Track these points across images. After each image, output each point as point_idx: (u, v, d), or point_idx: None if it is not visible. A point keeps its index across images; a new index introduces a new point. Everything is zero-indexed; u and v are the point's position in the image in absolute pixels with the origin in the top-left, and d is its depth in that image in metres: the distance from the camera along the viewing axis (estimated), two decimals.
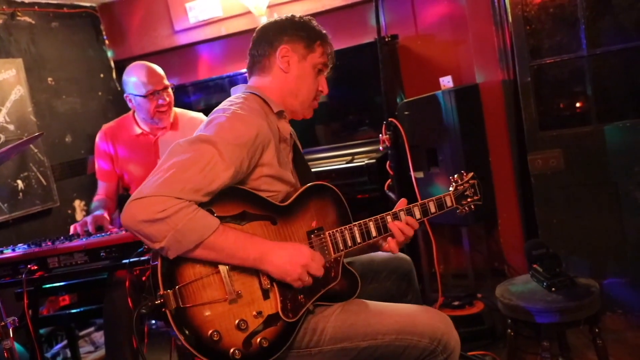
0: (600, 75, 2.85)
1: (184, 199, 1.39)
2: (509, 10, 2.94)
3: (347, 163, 3.15)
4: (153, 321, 3.70)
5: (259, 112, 1.62)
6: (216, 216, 1.47)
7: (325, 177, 3.15)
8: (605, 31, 2.84)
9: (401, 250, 2.06)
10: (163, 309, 1.41)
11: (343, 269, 1.70)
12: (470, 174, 1.96)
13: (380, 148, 2.88)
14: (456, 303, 2.92)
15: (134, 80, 2.59)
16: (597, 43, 2.82)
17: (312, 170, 3.20)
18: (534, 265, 2.34)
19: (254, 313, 1.50)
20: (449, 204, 1.89)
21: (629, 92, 2.90)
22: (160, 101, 2.59)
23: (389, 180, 2.84)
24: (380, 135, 2.80)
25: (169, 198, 1.38)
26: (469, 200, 1.93)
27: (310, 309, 1.61)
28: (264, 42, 1.74)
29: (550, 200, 2.94)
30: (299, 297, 1.58)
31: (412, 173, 2.85)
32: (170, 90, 2.65)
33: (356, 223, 1.72)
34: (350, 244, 1.70)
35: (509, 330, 2.35)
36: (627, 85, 2.90)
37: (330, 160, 3.33)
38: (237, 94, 1.72)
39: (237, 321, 1.47)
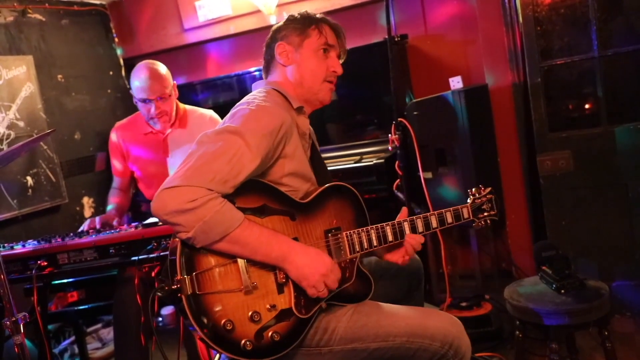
0: (611, 76, 2.83)
1: (214, 190, 1.41)
2: (519, 10, 2.93)
3: (355, 163, 3.14)
4: (160, 318, 3.72)
5: (282, 105, 1.66)
6: (237, 207, 1.48)
7: (332, 176, 3.14)
8: (617, 32, 2.82)
9: None
10: (179, 294, 1.42)
11: (358, 270, 1.71)
12: (489, 189, 1.98)
13: (389, 148, 2.88)
14: (464, 304, 2.91)
15: (134, 81, 2.59)
16: (608, 44, 2.81)
17: None
18: (543, 267, 2.33)
19: (268, 306, 1.51)
20: (465, 215, 1.90)
21: None
22: (152, 110, 2.58)
23: (398, 180, 2.83)
24: (389, 135, 2.79)
25: (199, 188, 1.39)
26: (485, 214, 1.94)
27: (323, 307, 1.61)
28: (266, 46, 1.82)
29: (559, 202, 2.92)
30: None
31: (420, 173, 2.84)
32: (167, 97, 2.58)
33: (373, 226, 1.73)
34: (366, 246, 1.71)
35: (517, 332, 2.34)
36: (638, 86, 2.88)
37: (338, 160, 3.32)
38: (259, 88, 1.74)
39: (250, 312, 1.48)
